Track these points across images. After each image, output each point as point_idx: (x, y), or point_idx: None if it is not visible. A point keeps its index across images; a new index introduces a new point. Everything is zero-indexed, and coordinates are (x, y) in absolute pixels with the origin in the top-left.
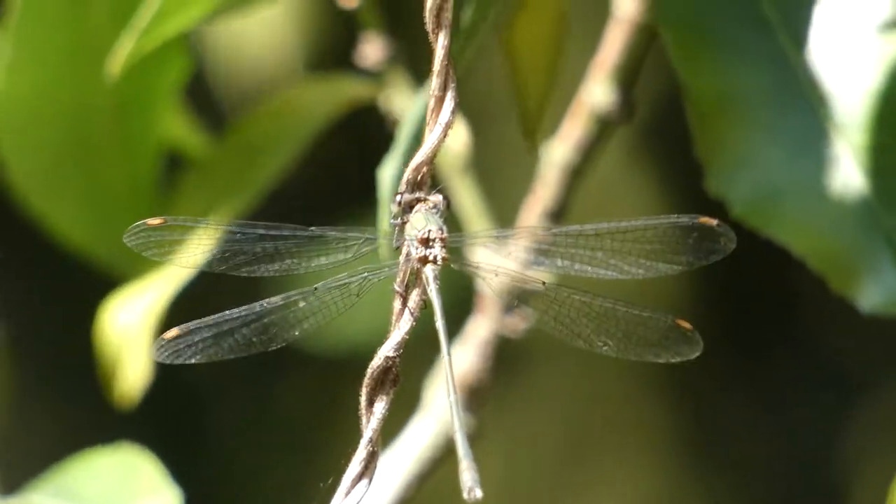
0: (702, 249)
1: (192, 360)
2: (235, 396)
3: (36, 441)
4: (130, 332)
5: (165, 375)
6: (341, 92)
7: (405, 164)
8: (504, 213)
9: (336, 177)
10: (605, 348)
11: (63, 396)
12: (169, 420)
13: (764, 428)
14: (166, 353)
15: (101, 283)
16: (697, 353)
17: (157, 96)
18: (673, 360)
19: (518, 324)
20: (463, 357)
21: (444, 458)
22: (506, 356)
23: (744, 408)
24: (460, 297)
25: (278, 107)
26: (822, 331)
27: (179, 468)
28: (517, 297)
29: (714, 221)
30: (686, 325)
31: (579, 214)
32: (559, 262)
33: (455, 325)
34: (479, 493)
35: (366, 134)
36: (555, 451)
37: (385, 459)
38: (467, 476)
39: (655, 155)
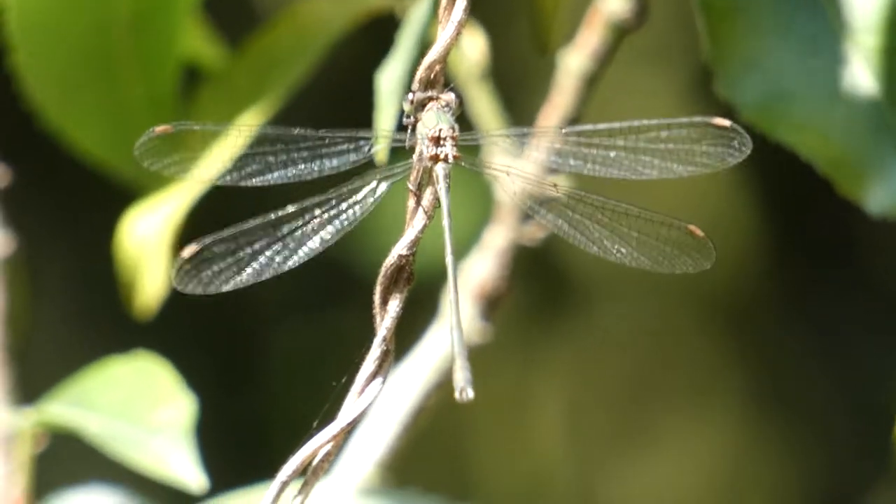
0: (716, 151)
1: (215, 289)
2: (289, 316)
3: (55, 353)
4: (149, 244)
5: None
6: (358, 2)
7: (408, 67)
8: (520, 122)
9: (354, 88)
10: (618, 254)
11: (81, 310)
12: (226, 345)
13: (826, 370)
14: (188, 278)
15: (121, 196)
16: (710, 263)
17: (174, 9)
18: (687, 270)
19: (535, 232)
20: (480, 265)
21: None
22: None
23: (806, 351)
24: (481, 208)
25: (296, 18)
26: (882, 272)
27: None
28: (532, 201)
29: (727, 122)
30: (698, 231)
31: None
32: (572, 162)
33: (478, 236)
34: (470, 394)
35: (384, 44)
36: (618, 391)
37: (402, 367)
38: (460, 376)
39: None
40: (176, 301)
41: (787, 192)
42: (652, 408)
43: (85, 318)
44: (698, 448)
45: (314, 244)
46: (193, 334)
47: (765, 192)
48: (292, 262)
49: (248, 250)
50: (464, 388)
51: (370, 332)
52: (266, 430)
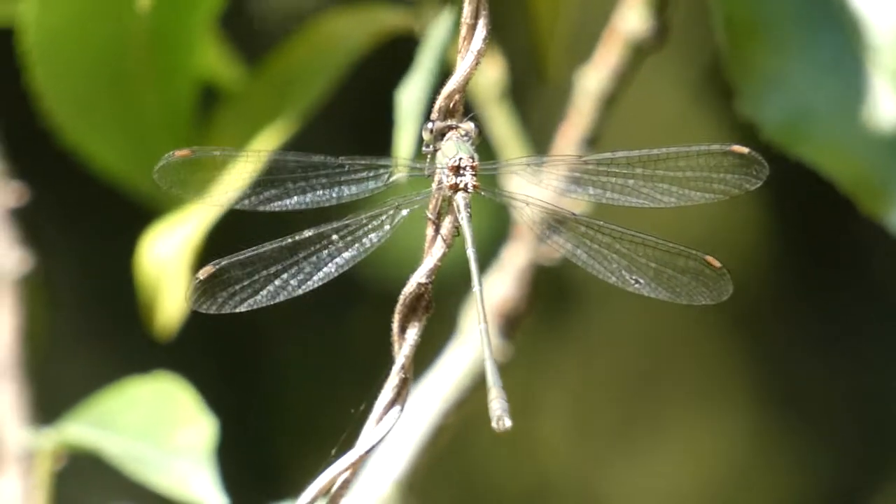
0: (734, 179)
1: (228, 309)
2: (299, 333)
3: (74, 375)
4: (168, 264)
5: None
6: (377, 21)
7: (427, 87)
8: (539, 143)
9: (372, 108)
10: (636, 286)
11: (100, 330)
12: (231, 355)
13: (833, 368)
14: (203, 298)
15: (140, 214)
16: (728, 294)
17: (192, 27)
18: (705, 302)
19: (554, 252)
20: (499, 284)
21: (480, 385)
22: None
23: (812, 349)
24: (497, 225)
25: (314, 37)
26: (886, 272)
27: (240, 402)
28: (549, 228)
29: (746, 149)
30: (715, 262)
31: (616, 144)
32: (591, 191)
33: (493, 252)
34: (507, 423)
35: (403, 64)
36: (624, 392)
37: (422, 386)
38: (496, 405)
39: (680, 58)
40: (189, 319)
41: (793, 193)
42: (657, 408)
43: (101, 337)
44: (704, 448)
45: (330, 269)
46: (203, 351)
47: (771, 192)
48: (307, 286)
49: (264, 273)
50: (501, 417)
51: (381, 346)
52: (275, 448)
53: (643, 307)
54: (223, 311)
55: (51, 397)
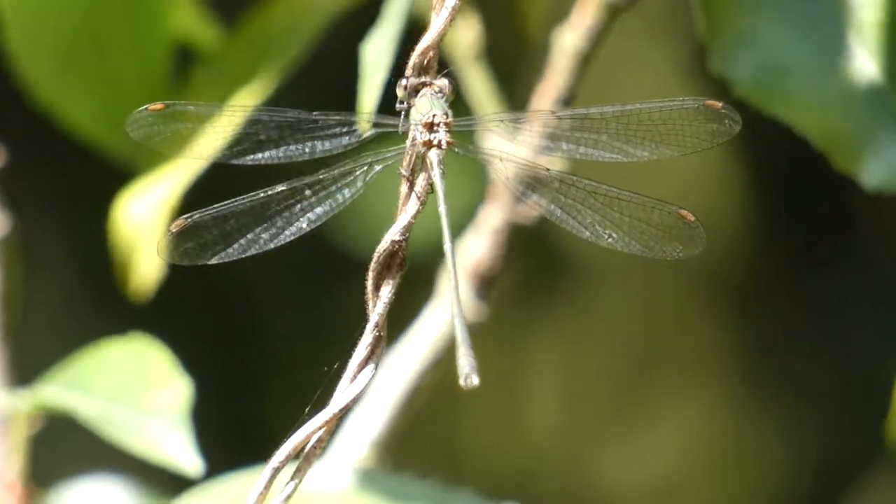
0: (707, 132)
1: (201, 260)
2: (284, 298)
3: (52, 337)
4: (144, 225)
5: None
6: None
7: (393, 40)
8: (518, 103)
9: (351, 67)
10: (610, 240)
11: (80, 293)
12: (216, 319)
13: (821, 348)
14: (176, 251)
15: (116, 175)
16: (699, 249)
17: None
18: (677, 256)
19: (529, 211)
20: (475, 245)
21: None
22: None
23: (801, 328)
24: (478, 189)
25: None
26: (877, 251)
27: (224, 366)
28: (524, 185)
29: (719, 104)
30: (689, 216)
31: (592, 101)
32: (564, 146)
33: (470, 213)
34: (475, 380)
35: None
36: (613, 370)
37: (398, 348)
38: (464, 362)
39: (664, 39)
40: (170, 282)
41: (780, 167)
42: (646, 386)
43: (80, 298)
44: (693, 426)
45: (302, 224)
46: (187, 317)
47: (758, 167)
48: (279, 240)
49: (236, 226)
50: (468, 375)
51: (364, 314)
52: (261, 411)
53: (635, 286)
54: (196, 263)
55: (29, 360)
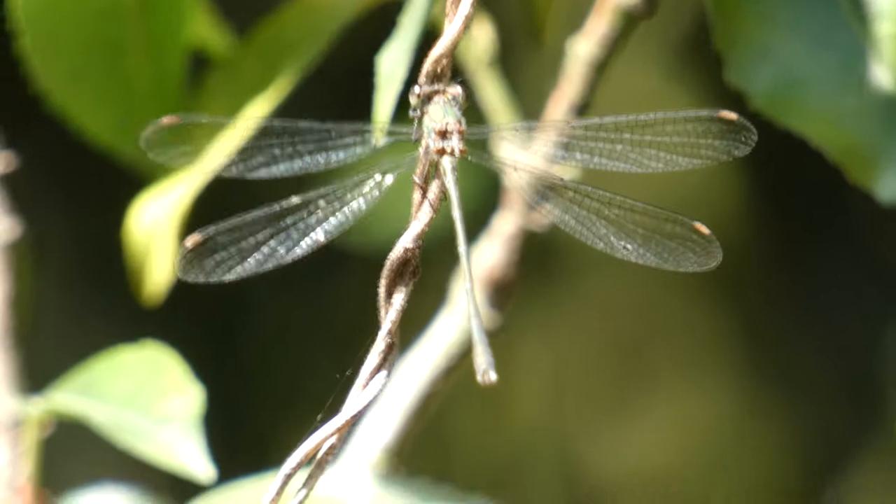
0: (722, 145)
1: (216, 278)
2: (285, 301)
3: (63, 343)
4: (157, 231)
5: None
6: None
7: (409, 50)
8: (532, 111)
9: (363, 76)
10: (624, 251)
11: (89, 298)
12: (217, 324)
13: (813, 337)
14: (192, 267)
15: (129, 181)
16: (716, 262)
17: None
18: (693, 269)
19: (543, 218)
20: (488, 252)
21: (469, 352)
22: (562, 265)
23: (797, 317)
24: (490, 196)
25: (304, 4)
26: (872, 240)
27: (220, 368)
28: (538, 194)
29: (734, 115)
30: (704, 229)
31: (606, 111)
32: (578, 156)
33: (486, 222)
34: (493, 376)
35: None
36: (605, 358)
37: (411, 354)
38: (482, 359)
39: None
40: (177, 289)
41: (777, 159)
42: (638, 375)
43: (89, 305)
44: (685, 415)
45: (318, 236)
46: (189, 320)
47: (754, 159)
48: (296, 253)
49: (252, 241)
50: (486, 371)
51: (368, 315)
52: (266, 415)
53: (631, 275)
54: (211, 280)
55: (39, 366)
